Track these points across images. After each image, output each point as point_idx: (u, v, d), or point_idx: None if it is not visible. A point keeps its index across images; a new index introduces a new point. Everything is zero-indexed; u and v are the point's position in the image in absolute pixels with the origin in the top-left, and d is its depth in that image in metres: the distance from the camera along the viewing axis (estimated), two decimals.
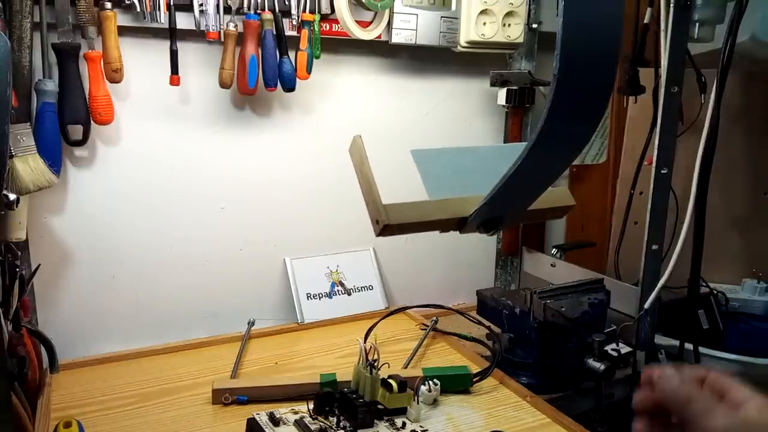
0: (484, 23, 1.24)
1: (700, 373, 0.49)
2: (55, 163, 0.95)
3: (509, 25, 1.25)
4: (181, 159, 1.15)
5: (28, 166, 0.89)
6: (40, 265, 1.02)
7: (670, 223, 1.12)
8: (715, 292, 1.31)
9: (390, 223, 0.56)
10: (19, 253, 0.99)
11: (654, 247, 1.10)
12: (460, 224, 0.56)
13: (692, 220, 1.08)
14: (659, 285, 1.08)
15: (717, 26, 1.11)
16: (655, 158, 1.08)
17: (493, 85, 1.32)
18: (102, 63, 0.99)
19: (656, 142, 1.08)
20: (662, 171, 1.09)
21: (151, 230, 1.15)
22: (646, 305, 1.09)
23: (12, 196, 0.81)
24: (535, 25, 1.31)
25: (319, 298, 1.28)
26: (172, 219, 1.16)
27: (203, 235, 1.19)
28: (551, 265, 1.39)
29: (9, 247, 0.94)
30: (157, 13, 1.00)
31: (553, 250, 1.43)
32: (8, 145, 0.79)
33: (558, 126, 0.44)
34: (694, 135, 1.11)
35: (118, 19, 0.99)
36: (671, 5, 1.01)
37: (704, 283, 1.23)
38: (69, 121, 0.99)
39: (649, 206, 1.10)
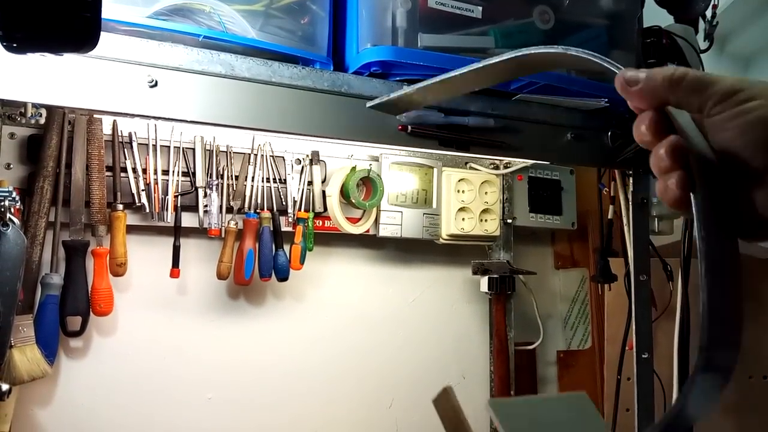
0: (463, 219, 1.35)
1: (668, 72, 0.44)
2: (51, 353, 0.97)
3: (486, 220, 1.37)
4: (173, 349, 1.17)
5: (25, 356, 0.91)
6: None
7: (660, 409, 1.12)
8: None
9: None
10: None
11: None
12: None
13: None
14: None
15: (675, 220, 1.22)
16: (634, 343, 1.12)
17: (475, 273, 1.39)
18: (108, 258, 1.06)
19: (633, 328, 1.12)
20: (643, 356, 1.12)
21: (138, 422, 1.13)
22: None
23: (5, 387, 0.82)
24: (509, 221, 1.43)
25: None
26: (159, 409, 1.15)
27: (190, 426, 1.17)
28: None
29: None
30: (165, 213, 1.09)
31: None
32: (10, 336, 0.82)
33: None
34: (671, 319, 1.16)
35: (127, 218, 1.07)
36: (630, 203, 1.13)
37: None
38: (69, 313, 1.03)
39: (636, 392, 1.11)
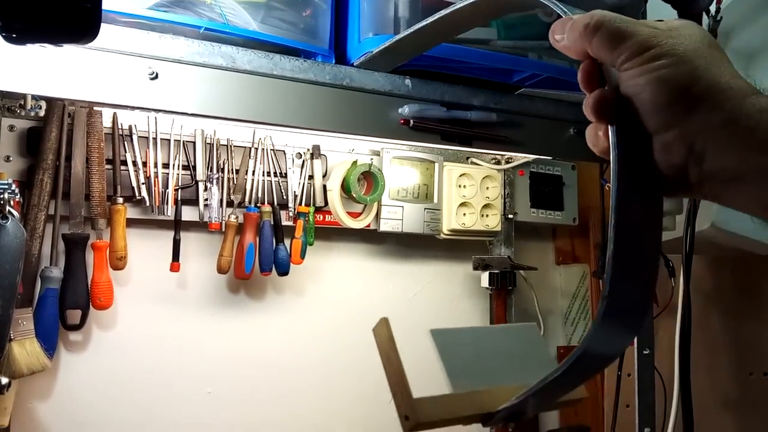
0: (464, 214, 1.35)
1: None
2: (50, 347, 0.97)
3: (487, 215, 1.36)
4: (173, 343, 1.17)
5: (25, 349, 0.91)
6: None
7: (661, 406, 1.12)
8: None
9: (421, 421, 0.54)
10: None
11: (646, 430, 1.09)
12: (486, 418, 0.55)
13: (679, 402, 1.08)
14: None
15: (678, 216, 1.21)
16: (636, 339, 1.12)
17: (475, 269, 1.39)
18: (108, 251, 1.05)
19: None
20: (644, 352, 1.12)
21: (137, 416, 1.12)
22: None
23: (4, 380, 0.82)
24: (510, 216, 1.42)
25: None
26: (158, 403, 1.14)
27: (189, 421, 1.17)
28: None
29: None
30: (165, 206, 1.09)
31: None
32: (9, 330, 0.81)
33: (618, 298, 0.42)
34: (672, 315, 1.16)
35: (127, 212, 1.07)
36: None
37: None
38: (69, 306, 1.02)
39: (636, 388, 1.11)
